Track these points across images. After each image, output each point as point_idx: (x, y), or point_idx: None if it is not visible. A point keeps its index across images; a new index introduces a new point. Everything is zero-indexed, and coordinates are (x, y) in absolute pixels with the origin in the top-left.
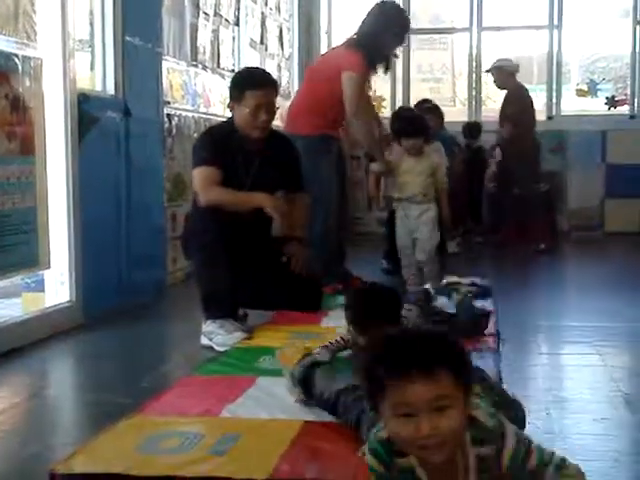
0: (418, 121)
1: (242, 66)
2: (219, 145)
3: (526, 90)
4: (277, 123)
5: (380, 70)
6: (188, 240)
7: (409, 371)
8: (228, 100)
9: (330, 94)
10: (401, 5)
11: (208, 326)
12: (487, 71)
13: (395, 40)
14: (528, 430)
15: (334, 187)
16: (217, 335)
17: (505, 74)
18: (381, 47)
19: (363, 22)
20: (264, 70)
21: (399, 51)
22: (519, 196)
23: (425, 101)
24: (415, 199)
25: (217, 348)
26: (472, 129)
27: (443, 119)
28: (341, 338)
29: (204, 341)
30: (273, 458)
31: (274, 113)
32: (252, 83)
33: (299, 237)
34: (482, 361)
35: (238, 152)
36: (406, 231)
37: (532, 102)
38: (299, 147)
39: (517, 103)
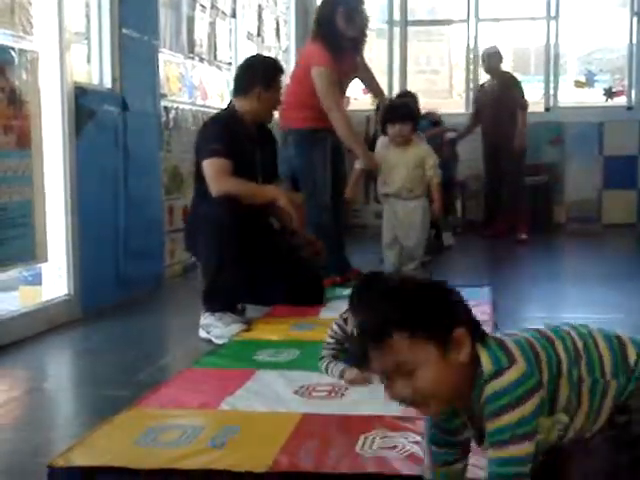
0: (403, 107)
1: (239, 58)
2: (230, 134)
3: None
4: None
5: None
6: (192, 231)
7: (366, 347)
8: (252, 87)
9: (312, 88)
10: None
11: (206, 319)
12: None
13: (345, 19)
14: None
15: (328, 180)
16: (215, 328)
17: (497, 60)
18: (336, 31)
19: (316, 15)
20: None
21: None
22: (509, 188)
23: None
24: (401, 195)
25: (215, 341)
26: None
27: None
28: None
29: (202, 334)
30: (272, 450)
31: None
32: (280, 68)
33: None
34: None
35: (245, 141)
36: (391, 230)
37: None
38: (292, 141)
39: (519, 89)
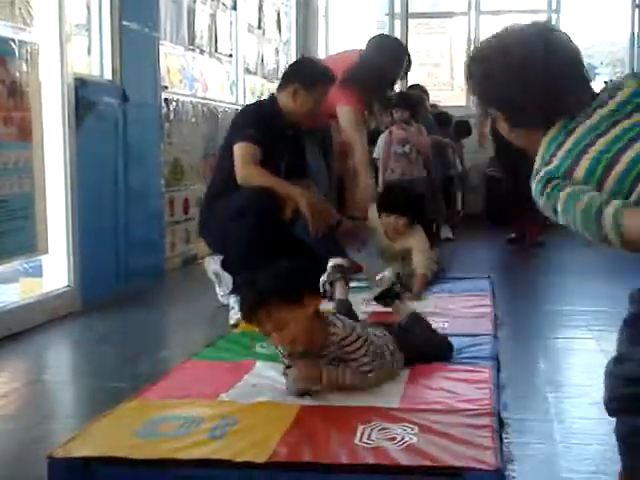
0: (401, 195)
1: (240, 50)
2: (265, 124)
3: None
4: None
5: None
6: (207, 222)
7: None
8: (290, 82)
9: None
10: None
11: (233, 299)
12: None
13: (396, 76)
14: (526, 414)
15: (324, 179)
16: (238, 312)
17: None
18: (383, 86)
19: (362, 55)
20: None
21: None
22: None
23: (416, 86)
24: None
25: (230, 321)
26: (441, 119)
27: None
28: None
29: (225, 302)
30: (271, 441)
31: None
32: (327, 78)
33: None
34: (480, 345)
35: (279, 135)
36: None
37: None
38: None
39: None
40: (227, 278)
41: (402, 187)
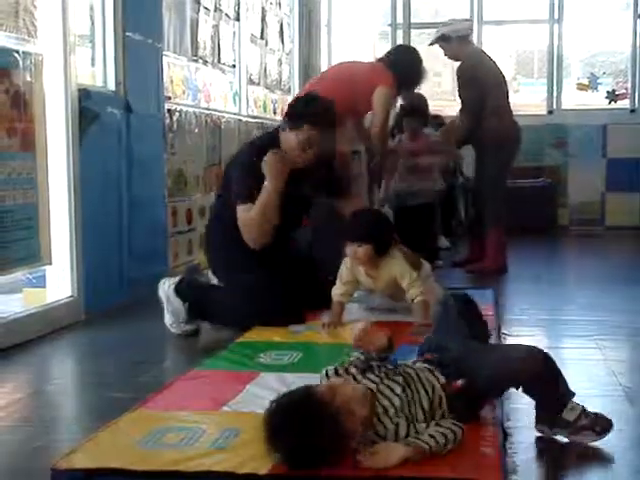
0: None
1: (243, 61)
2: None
3: (486, 59)
4: (263, 114)
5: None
6: (211, 243)
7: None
8: (283, 120)
9: (346, 101)
10: (402, 1)
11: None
12: (430, 44)
13: (418, 78)
14: (527, 424)
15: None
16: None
17: (454, 42)
18: (408, 79)
19: (388, 55)
20: (328, 104)
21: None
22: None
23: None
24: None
25: (167, 320)
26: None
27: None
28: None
29: (176, 331)
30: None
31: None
32: (315, 118)
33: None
34: None
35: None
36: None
37: (495, 73)
38: None
39: (470, 83)
40: (178, 305)
41: (368, 210)
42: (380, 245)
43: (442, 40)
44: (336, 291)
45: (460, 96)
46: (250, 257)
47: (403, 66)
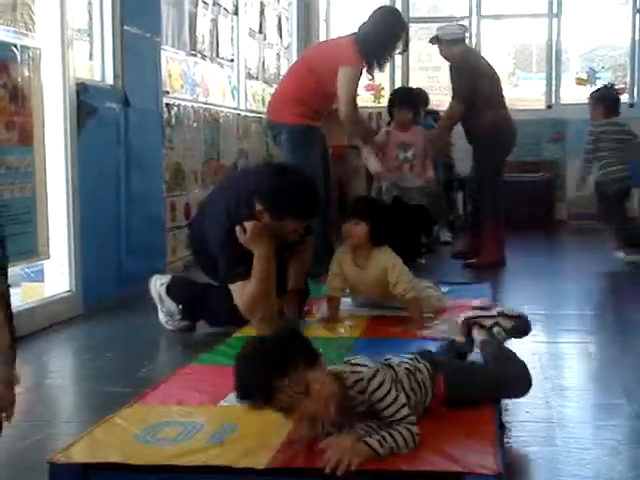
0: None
1: (241, 55)
2: (242, 248)
3: (478, 57)
4: (261, 109)
5: (375, 72)
6: (197, 246)
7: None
8: (259, 201)
9: (318, 84)
10: None
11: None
12: (430, 42)
13: (394, 46)
14: (526, 419)
15: (320, 180)
16: (171, 315)
17: (444, 45)
18: (380, 50)
19: (363, 24)
20: (312, 194)
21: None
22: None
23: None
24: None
25: (160, 316)
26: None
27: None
28: None
29: (171, 327)
30: (272, 447)
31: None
32: (300, 212)
33: (298, 288)
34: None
35: None
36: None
37: (486, 68)
38: (284, 137)
39: (460, 78)
40: (171, 305)
41: (370, 197)
42: (376, 228)
43: (436, 41)
44: (328, 284)
45: (452, 86)
46: (239, 255)
47: (368, 41)
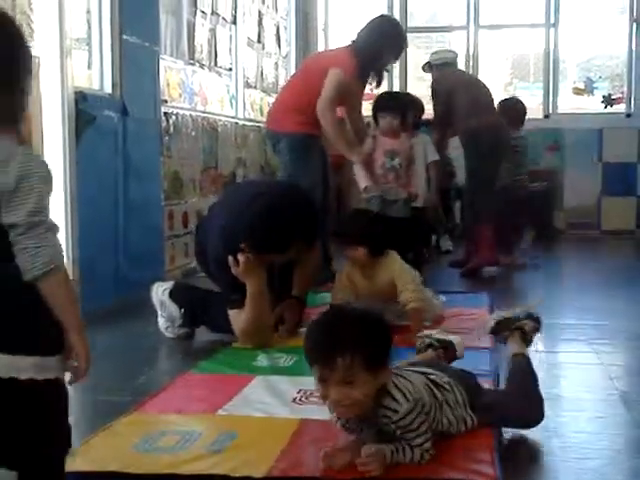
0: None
1: (239, 64)
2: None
3: (459, 77)
4: (260, 118)
5: (373, 83)
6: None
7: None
8: (242, 236)
9: (314, 91)
10: (399, 5)
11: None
12: (422, 69)
13: (389, 55)
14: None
15: (319, 189)
16: (171, 321)
17: (434, 70)
18: (375, 60)
19: (360, 33)
20: (288, 228)
21: (391, 65)
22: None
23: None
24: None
25: (160, 322)
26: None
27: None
28: None
29: (170, 335)
30: (270, 455)
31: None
32: (277, 249)
33: (301, 296)
34: (479, 359)
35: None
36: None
37: (462, 83)
38: (284, 146)
39: (435, 103)
40: (173, 310)
41: (363, 211)
42: (375, 246)
43: (428, 67)
44: (335, 295)
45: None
46: (234, 282)
47: (365, 50)
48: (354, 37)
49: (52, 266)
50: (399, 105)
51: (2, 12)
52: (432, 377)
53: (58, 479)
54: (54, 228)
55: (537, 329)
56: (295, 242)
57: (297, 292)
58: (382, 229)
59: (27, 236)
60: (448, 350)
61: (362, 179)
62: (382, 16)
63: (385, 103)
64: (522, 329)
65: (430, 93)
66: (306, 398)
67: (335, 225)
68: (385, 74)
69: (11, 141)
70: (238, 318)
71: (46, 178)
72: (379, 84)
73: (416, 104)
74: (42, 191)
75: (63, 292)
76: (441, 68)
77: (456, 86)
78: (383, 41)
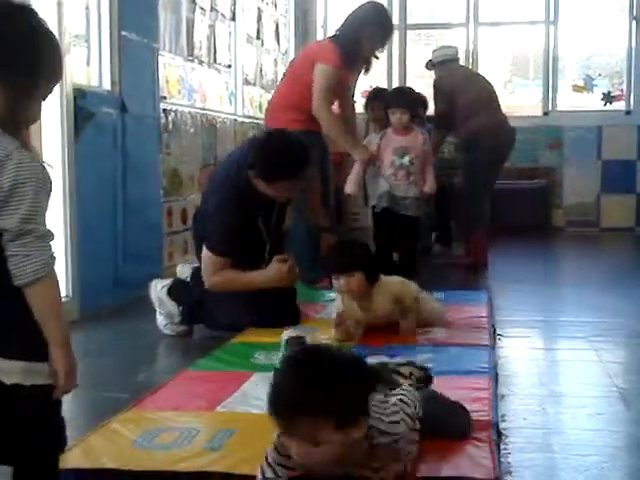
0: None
1: (239, 61)
2: (237, 221)
3: (461, 75)
4: (259, 115)
5: (361, 71)
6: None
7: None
8: (252, 168)
9: (308, 88)
10: (398, 2)
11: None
12: (426, 67)
13: (375, 41)
14: (523, 425)
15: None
16: (170, 318)
17: (436, 68)
18: (360, 46)
19: (345, 20)
20: (298, 152)
21: (381, 52)
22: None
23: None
24: None
25: (158, 319)
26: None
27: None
28: None
29: (169, 332)
30: None
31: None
32: (287, 173)
33: (326, 227)
34: (478, 356)
35: (259, 210)
36: None
37: (465, 81)
38: None
39: (436, 101)
40: (171, 307)
41: (350, 241)
42: (371, 271)
43: (431, 65)
44: (335, 336)
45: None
46: (231, 229)
47: (347, 39)
48: (339, 27)
49: (38, 276)
50: (407, 100)
51: (29, 8)
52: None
53: (50, 476)
54: (47, 236)
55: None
56: (306, 164)
57: (323, 222)
58: (372, 254)
59: (17, 243)
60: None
61: (349, 184)
62: (368, 2)
63: (393, 99)
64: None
65: (432, 91)
66: None
67: (326, 258)
68: (387, 70)
69: (9, 142)
70: (214, 266)
71: (43, 184)
72: (367, 71)
73: (422, 100)
74: (37, 197)
75: (47, 303)
76: (443, 65)
77: (459, 85)
78: (364, 28)
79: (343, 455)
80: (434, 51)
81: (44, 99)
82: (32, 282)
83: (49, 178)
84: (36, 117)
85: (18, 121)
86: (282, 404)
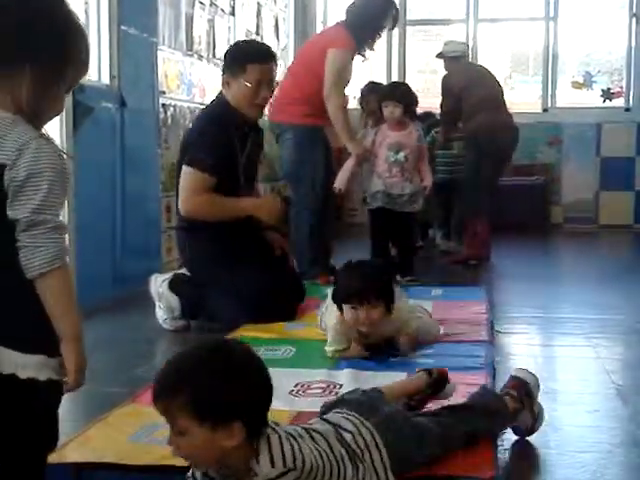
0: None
1: None
2: (223, 140)
3: (470, 71)
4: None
5: (366, 53)
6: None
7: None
8: (222, 76)
9: (317, 78)
10: None
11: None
12: (437, 56)
13: (384, 22)
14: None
15: (323, 183)
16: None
17: (446, 61)
18: (368, 30)
19: (350, 7)
20: (263, 42)
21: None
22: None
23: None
24: None
25: (158, 313)
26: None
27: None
28: None
29: (169, 327)
30: None
31: (274, 90)
32: (256, 56)
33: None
34: (475, 352)
35: (235, 136)
36: None
37: (474, 80)
38: (290, 137)
39: (444, 94)
40: (172, 301)
41: (359, 264)
42: (391, 301)
43: (442, 56)
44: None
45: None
46: (215, 146)
47: (357, 23)
48: (345, 12)
49: (47, 269)
50: (401, 94)
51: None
52: (346, 436)
53: (38, 471)
54: (59, 228)
55: None
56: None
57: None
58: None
59: (28, 234)
60: (438, 385)
61: (338, 179)
62: None
63: (387, 92)
64: None
65: (441, 87)
66: (303, 391)
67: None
68: (387, 66)
69: (29, 130)
70: (194, 183)
71: (59, 175)
72: (372, 49)
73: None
74: (52, 189)
75: (57, 297)
76: (453, 60)
77: (468, 83)
78: (376, 11)
79: (218, 459)
80: (446, 44)
81: (67, 92)
82: (41, 275)
83: (67, 170)
84: (59, 109)
85: (42, 110)
86: (157, 385)
